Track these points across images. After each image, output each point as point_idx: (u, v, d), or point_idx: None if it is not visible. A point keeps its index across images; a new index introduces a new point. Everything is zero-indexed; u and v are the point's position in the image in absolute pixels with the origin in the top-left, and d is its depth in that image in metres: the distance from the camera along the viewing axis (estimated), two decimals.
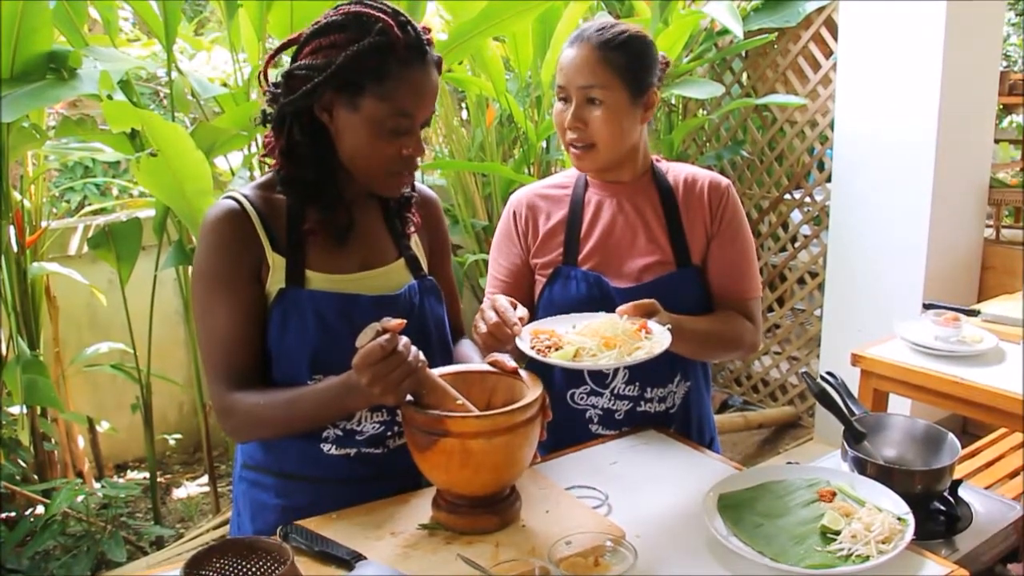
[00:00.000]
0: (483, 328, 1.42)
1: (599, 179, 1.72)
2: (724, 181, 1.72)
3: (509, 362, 1.35)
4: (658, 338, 1.43)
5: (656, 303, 1.49)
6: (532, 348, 1.42)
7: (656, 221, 1.69)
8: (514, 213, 1.75)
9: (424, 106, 1.36)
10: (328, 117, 1.35)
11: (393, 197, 1.48)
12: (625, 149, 1.66)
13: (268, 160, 1.43)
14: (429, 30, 1.37)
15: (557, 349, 1.40)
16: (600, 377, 1.67)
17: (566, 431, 1.66)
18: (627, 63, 1.59)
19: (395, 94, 1.31)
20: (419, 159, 1.40)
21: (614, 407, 1.69)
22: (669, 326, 1.45)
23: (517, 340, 1.41)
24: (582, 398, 1.70)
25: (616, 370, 1.66)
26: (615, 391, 1.68)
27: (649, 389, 1.68)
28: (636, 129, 1.65)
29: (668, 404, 1.71)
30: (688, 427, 1.74)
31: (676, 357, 1.62)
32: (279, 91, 1.35)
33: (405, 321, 1.22)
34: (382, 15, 1.30)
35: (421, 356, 1.24)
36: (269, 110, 1.38)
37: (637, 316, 1.47)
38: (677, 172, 1.73)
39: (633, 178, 1.71)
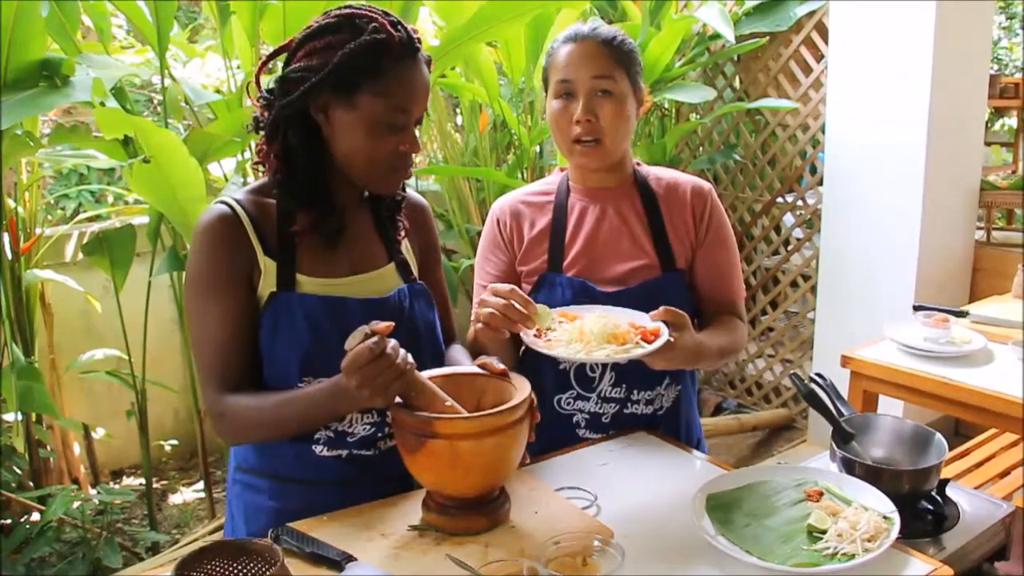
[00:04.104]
0: (488, 312, 1.42)
1: (584, 184, 1.73)
2: (706, 186, 1.74)
3: (498, 364, 1.36)
4: (647, 348, 1.44)
5: (687, 319, 1.49)
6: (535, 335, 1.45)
7: (639, 225, 1.70)
8: (498, 220, 1.75)
9: (418, 102, 1.38)
10: (324, 118, 1.37)
11: (390, 196, 1.50)
12: (626, 145, 1.69)
13: (261, 168, 1.44)
14: (417, 30, 1.40)
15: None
16: (587, 381, 1.68)
17: (553, 436, 1.66)
18: (628, 59, 1.63)
19: (391, 90, 1.34)
20: (414, 156, 1.42)
21: (601, 411, 1.69)
22: (670, 338, 1.45)
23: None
24: (568, 403, 1.70)
25: (603, 373, 1.67)
26: (602, 394, 1.68)
27: (636, 391, 1.69)
28: (634, 127, 1.68)
29: (656, 406, 1.71)
30: (677, 430, 1.75)
31: None
32: (273, 96, 1.37)
33: (393, 324, 1.23)
34: (374, 15, 1.33)
35: (410, 358, 1.25)
36: (262, 117, 1.40)
37: (665, 320, 1.47)
38: (659, 176, 1.75)
39: (617, 183, 1.72)
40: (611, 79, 1.61)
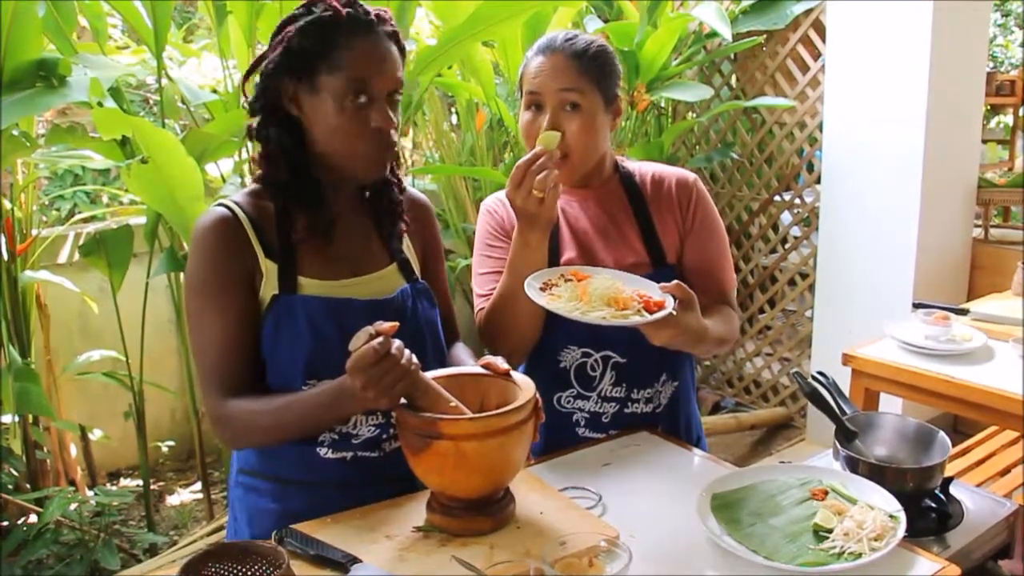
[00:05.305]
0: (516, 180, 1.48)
1: (567, 185, 1.71)
2: (691, 176, 1.73)
3: (502, 364, 1.36)
4: (647, 317, 1.44)
5: (695, 300, 1.49)
6: (540, 289, 1.49)
7: (627, 222, 1.69)
8: (496, 212, 1.73)
9: (382, 73, 1.36)
10: (297, 109, 1.38)
11: (374, 180, 1.47)
12: (596, 160, 1.67)
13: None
14: (386, 11, 1.40)
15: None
16: (587, 380, 1.67)
17: (553, 436, 1.66)
18: (600, 73, 1.61)
19: (346, 63, 1.33)
20: (394, 135, 1.40)
21: (601, 410, 1.69)
22: (673, 311, 1.45)
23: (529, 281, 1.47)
24: (568, 402, 1.69)
25: (604, 372, 1.67)
26: (602, 393, 1.68)
27: (636, 390, 1.68)
28: (606, 139, 1.67)
29: (654, 404, 1.71)
30: (676, 426, 1.75)
31: (663, 356, 1.62)
32: (254, 99, 1.40)
33: (398, 324, 1.22)
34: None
35: (414, 359, 1.24)
36: (253, 122, 1.41)
37: (673, 294, 1.47)
38: (643, 171, 1.74)
39: (600, 183, 1.72)
40: (579, 93, 1.58)
